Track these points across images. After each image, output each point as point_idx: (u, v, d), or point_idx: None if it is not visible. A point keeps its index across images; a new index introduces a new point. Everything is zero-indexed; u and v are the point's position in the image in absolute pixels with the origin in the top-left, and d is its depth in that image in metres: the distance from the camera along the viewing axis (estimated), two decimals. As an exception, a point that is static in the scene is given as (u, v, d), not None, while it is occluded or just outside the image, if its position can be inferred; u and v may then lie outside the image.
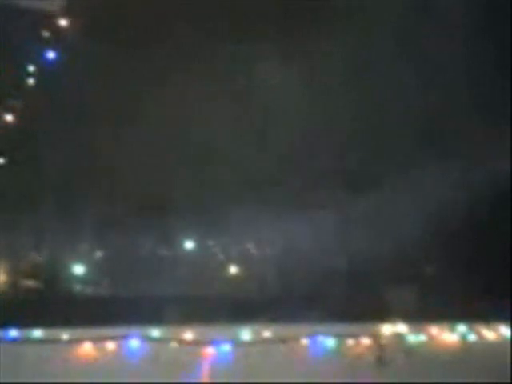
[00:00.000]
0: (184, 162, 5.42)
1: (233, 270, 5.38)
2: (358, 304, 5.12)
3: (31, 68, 5.31)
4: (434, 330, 5.01)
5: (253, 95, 5.45)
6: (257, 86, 5.48)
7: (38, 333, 4.81)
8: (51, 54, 5.34)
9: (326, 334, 4.93)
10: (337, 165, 5.44)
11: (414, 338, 4.97)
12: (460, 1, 5.52)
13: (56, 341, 4.79)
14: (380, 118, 5.48)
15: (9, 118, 5.27)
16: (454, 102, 5.47)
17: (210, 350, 4.86)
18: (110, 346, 4.84)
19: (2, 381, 4.59)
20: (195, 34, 5.37)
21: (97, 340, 4.83)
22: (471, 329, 5.00)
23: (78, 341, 4.81)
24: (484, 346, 4.97)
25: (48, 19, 5.31)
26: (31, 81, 5.31)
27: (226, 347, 4.87)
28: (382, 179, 5.38)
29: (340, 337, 4.93)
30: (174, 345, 4.84)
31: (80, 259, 5.30)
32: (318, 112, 5.44)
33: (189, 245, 5.41)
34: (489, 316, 4.96)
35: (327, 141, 5.44)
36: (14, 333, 4.81)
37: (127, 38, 5.29)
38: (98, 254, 5.34)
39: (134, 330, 4.88)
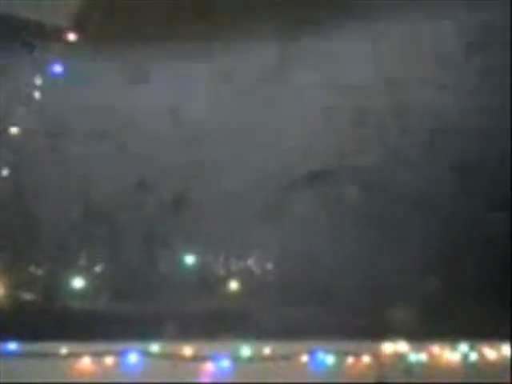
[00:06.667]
0: (187, 173, 5.41)
1: (233, 285, 5.35)
2: (358, 321, 5.09)
3: (38, 81, 5.31)
4: (436, 348, 4.99)
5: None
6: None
7: (36, 346, 4.79)
8: (58, 68, 5.34)
9: (326, 351, 4.91)
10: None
11: (415, 356, 4.95)
12: None
13: (54, 355, 4.77)
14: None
15: (14, 130, 5.28)
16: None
17: (209, 366, 4.83)
18: (109, 360, 4.82)
19: (-1, 394, 4.59)
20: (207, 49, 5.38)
21: (95, 354, 4.81)
22: (473, 348, 4.98)
23: (77, 355, 4.79)
24: (486, 365, 4.95)
25: (56, 33, 5.32)
26: (37, 94, 5.31)
27: (226, 363, 4.85)
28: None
29: (340, 354, 4.91)
30: (172, 360, 4.82)
31: (79, 273, 5.27)
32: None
33: (189, 260, 5.38)
34: (491, 335, 4.94)
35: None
36: (11, 346, 4.80)
37: (135, 52, 5.30)
38: (98, 268, 5.31)
39: (133, 344, 4.87)
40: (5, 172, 5.23)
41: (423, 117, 5.43)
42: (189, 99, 5.39)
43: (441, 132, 5.41)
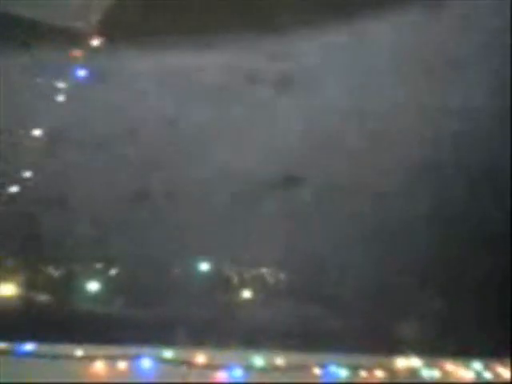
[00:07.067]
0: (200, 181, 5.41)
1: (247, 294, 5.35)
2: (371, 336, 5.08)
3: (61, 85, 5.32)
4: (449, 365, 4.98)
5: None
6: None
7: (50, 348, 4.80)
8: (82, 72, 5.35)
9: (339, 365, 4.91)
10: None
11: (428, 373, 4.94)
12: None
13: (69, 357, 4.79)
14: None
15: (37, 132, 5.29)
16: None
17: (221, 375, 4.84)
18: (122, 364, 4.83)
19: (13, 395, 4.60)
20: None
21: (108, 358, 4.82)
22: (487, 366, 4.97)
23: (91, 358, 4.81)
24: (499, 384, 4.95)
25: (80, 38, 5.33)
26: (61, 98, 5.32)
27: (238, 372, 4.85)
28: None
29: (353, 368, 4.91)
30: (185, 367, 4.82)
31: (94, 276, 5.28)
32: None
33: (204, 266, 5.39)
34: (505, 353, 4.92)
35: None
36: (27, 347, 4.81)
37: (158, 56, 5.30)
38: (113, 271, 5.32)
39: (146, 349, 4.87)
40: (26, 174, 5.26)
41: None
42: (188, 104, 5.40)
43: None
